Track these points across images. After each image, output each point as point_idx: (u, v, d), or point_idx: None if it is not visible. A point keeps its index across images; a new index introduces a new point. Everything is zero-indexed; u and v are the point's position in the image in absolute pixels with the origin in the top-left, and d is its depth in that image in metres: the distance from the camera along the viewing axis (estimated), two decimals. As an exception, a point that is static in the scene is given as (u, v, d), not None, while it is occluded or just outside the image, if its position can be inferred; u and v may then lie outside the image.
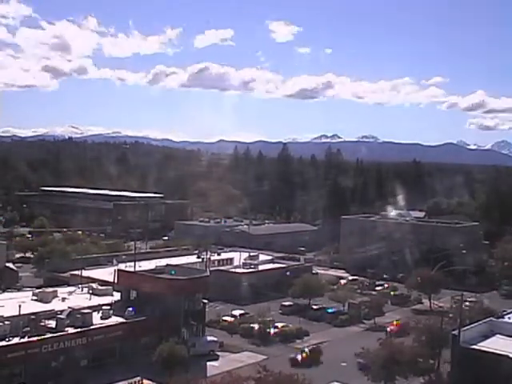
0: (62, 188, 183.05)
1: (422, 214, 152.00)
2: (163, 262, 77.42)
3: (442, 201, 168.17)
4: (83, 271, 73.73)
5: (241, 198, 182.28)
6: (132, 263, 69.31)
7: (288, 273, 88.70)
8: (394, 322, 70.04)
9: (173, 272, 63.20)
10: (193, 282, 60.29)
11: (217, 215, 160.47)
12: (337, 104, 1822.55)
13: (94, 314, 54.27)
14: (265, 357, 56.75)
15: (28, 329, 48.69)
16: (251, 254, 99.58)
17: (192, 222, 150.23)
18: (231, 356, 57.82)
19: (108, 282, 66.58)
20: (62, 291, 63.81)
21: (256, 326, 64.96)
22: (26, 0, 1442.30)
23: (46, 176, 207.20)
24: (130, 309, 56.37)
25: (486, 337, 46.41)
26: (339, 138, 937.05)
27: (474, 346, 43.81)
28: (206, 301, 62.27)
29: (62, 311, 53.45)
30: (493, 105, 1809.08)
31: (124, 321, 55.09)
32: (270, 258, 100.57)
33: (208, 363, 54.72)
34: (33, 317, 50.06)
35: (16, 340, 47.28)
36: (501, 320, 50.56)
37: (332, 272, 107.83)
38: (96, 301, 60.09)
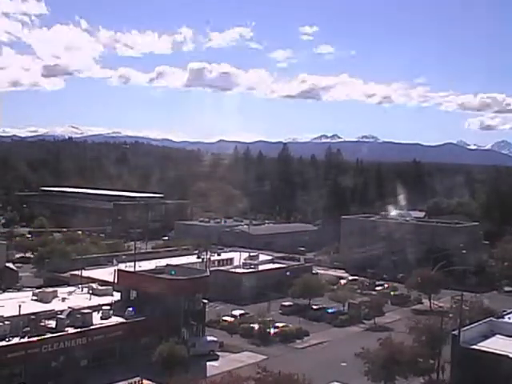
0: (62, 188, 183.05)
1: (422, 214, 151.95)
2: (163, 262, 77.47)
3: (442, 201, 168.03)
4: (83, 271, 73.80)
5: (241, 198, 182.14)
6: (132, 263, 69.37)
7: (288, 273, 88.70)
8: None
9: (173, 272, 63.22)
10: (193, 282, 60.33)
11: (217, 215, 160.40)
12: (337, 104, 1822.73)
13: (94, 313, 54.32)
14: (265, 357, 56.78)
15: (28, 329, 48.75)
16: (251, 254, 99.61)
17: (192, 222, 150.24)
18: (231, 356, 57.87)
19: (108, 281, 66.61)
20: (61, 291, 63.86)
21: (256, 326, 65.01)
22: None
23: (46, 176, 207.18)
24: (130, 309, 56.41)
25: (485, 337, 46.43)
26: (339, 138, 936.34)
27: (474, 346, 43.83)
28: (205, 301, 62.33)
29: (62, 311, 53.52)
30: (493, 105, 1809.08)
31: (124, 321, 55.14)
32: (270, 258, 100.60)
33: (208, 363, 54.79)
34: (33, 317, 50.13)
35: (16, 340, 47.35)
36: (501, 320, 50.58)
37: (332, 272, 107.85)
38: (96, 301, 60.14)
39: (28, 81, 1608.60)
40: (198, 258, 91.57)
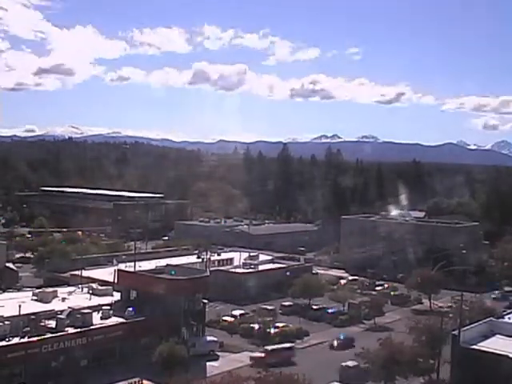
0: (62, 188, 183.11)
1: (422, 214, 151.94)
2: (163, 262, 77.48)
3: (442, 201, 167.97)
4: (83, 271, 73.81)
5: (241, 198, 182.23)
6: (132, 263, 69.37)
7: (288, 273, 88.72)
8: None
9: (173, 272, 63.19)
10: (193, 281, 60.31)
11: (217, 215, 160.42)
12: (337, 104, 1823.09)
13: (94, 314, 54.33)
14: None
15: (28, 329, 48.76)
16: (251, 254, 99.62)
17: (192, 222, 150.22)
18: (231, 356, 57.84)
19: (108, 281, 66.62)
20: (62, 291, 63.89)
21: (256, 326, 65.00)
22: None
23: (46, 176, 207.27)
24: (130, 309, 56.41)
25: (485, 337, 46.45)
26: (339, 138, 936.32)
27: (474, 346, 43.85)
28: (205, 301, 62.32)
29: (62, 311, 53.55)
30: (493, 105, 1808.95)
31: (124, 321, 55.13)
32: (270, 258, 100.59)
33: (208, 363, 54.76)
34: (33, 317, 50.15)
35: (16, 340, 47.37)
36: (501, 320, 50.63)
37: (332, 272, 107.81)
38: (96, 301, 60.15)
39: (28, 80, 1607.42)
40: (198, 257, 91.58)
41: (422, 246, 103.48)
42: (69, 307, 54.46)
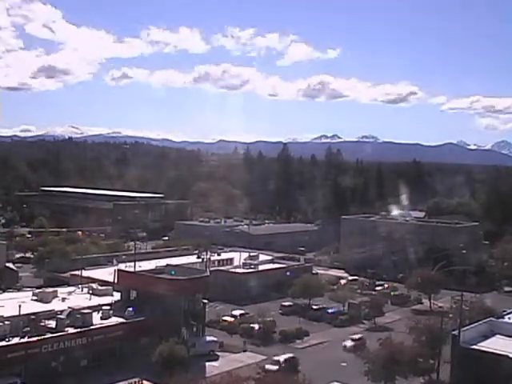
0: (62, 188, 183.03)
1: (422, 214, 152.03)
2: (163, 262, 77.47)
3: (442, 201, 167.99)
4: (83, 271, 73.79)
5: (241, 198, 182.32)
6: (132, 263, 69.36)
7: (288, 273, 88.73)
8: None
9: (173, 272, 63.19)
10: (193, 281, 60.29)
11: (217, 215, 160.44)
12: (337, 104, 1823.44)
13: (94, 314, 54.31)
14: (265, 357, 56.75)
15: (28, 329, 48.73)
16: (251, 254, 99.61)
17: (192, 222, 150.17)
18: (231, 356, 57.84)
19: (108, 282, 66.59)
20: (61, 291, 63.85)
21: (256, 326, 64.99)
22: None
23: (46, 176, 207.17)
24: (130, 309, 56.41)
25: (485, 337, 46.49)
26: (339, 138, 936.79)
27: (474, 346, 43.89)
28: (205, 301, 62.30)
29: (62, 311, 53.51)
30: (493, 105, 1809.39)
31: (124, 321, 55.11)
32: (270, 258, 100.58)
33: (208, 363, 54.74)
34: (33, 317, 50.11)
35: (16, 340, 47.34)
36: (501, 320, 50.66)
37: (332, 272, 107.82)
38: (96, 301, 60.11)
39: (27, 80, 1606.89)
40: (198, 257, 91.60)
41: (422, 246, 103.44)
42: (69, 307, 54.42)
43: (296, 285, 78.04)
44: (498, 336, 47.12)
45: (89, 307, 55.59)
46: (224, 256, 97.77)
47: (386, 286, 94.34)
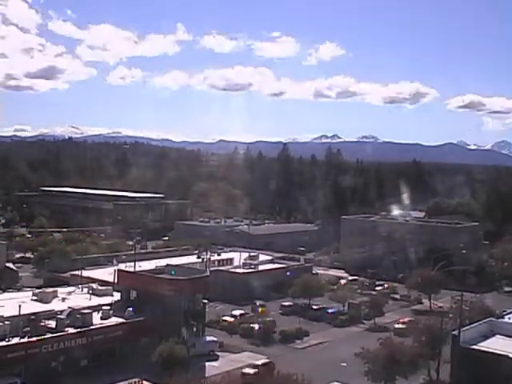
0: (62, 188, 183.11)
1: (422, 214, 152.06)
2: (163, 262, 77.48)
3: (443, 201, 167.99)
4: (83, 271, 73.83)
5: (241, 198, 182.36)
6: (132, 263, 69.36)
7: (288, 273, 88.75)
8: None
9: (173, 272, 63.20)
10: (193, 281, 60.29)
11: (217, 215, 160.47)
12: (337, 104, 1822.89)
13: (94, 314, 54.34)
14: (265, 357, 56.70)
15: (28, 329, 48.74)
16: (251, 254, 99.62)
17: (192, 222, 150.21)
18: (231, 356, 57.84)
19: (108, 282, 66.61)
20: (61, 291, 63.85)
21: (256, 326, 65.00)
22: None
23: (46, 176, 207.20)
24: (130, 309, 56.42)
25: (485, 337, 46.51)
26: (339, 138, 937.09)
27: (474, 346, 43.91)
28: (206, 301, 62.30)
29: (62, 311, 53.53)
30: (493, 105, 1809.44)
31: (124, 321, 55.14)
32: (270, 258, 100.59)
33: (208, 363, 54.73)
34: (33, 317, 50.12)
35: (16, 340, 47.37)
36: (501, 320, 50.68)
37: (332, 272, 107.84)
38: (96, 301, 60.13)
39: (27, 81, 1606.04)
40: (198, 257, 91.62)
41: (422, 246, 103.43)
42: (69, 307, 54.44)
43: (296, 285, 78.05)
44: (497, 336, 47.14)
45: (89, 307, 55.61)
46: (224, 256, 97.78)
47: (386, 286, 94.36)
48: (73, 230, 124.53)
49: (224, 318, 68.97)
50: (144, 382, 47.54)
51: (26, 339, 47.68)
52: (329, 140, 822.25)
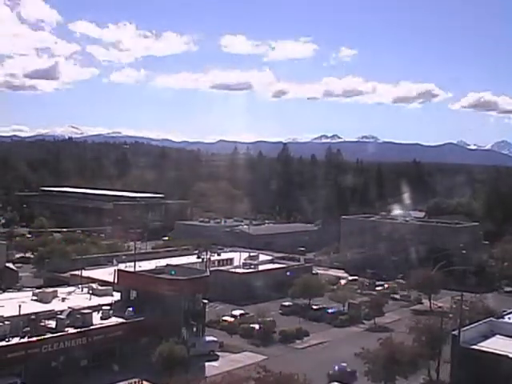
0: (62, 188, 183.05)
1: (422, 214, 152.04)
2: (163, 262, 77.45)
3: (443, 201, 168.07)
4: (83, 271, 73.76)
5: (241, 198, 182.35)
6: (132, 263, 69.33)
7: (288, 273, 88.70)
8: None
9: (173, 272, 63.16)
10: (193, 281, 60.26)
11: (217, 215, 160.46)
12: (337, 104, 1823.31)
13: (94, 314, 54.28)
14: (265, 357, 56.76)
15: (28, 329, 48.68)
16: (251, 254, 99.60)
17: (192, 222, 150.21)
18: (231, 356, 57.82)
19: (108, 282, 66.57)
20: (61, 291, 63.79)
21: (256, 326, 64.98)
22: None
23: (46, 176, 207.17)
24: (130, 309, 56.38)
25: (485, 337, 46.51)
26: (339, 138, 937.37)
27: (474, 346, 43.91)
28: (206, 301, 62.25)
29: (62, 311, 53.46)
30: (493, 104, 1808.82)
31: (124, 321, 55.09)
32: (270, 258, 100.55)
33: (208, 363, 54.71)
34: (33, 317, 50.05)
35: (16, 340, 47.29)
36: (501, 320, 50.68)
37: (332, 272, 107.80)
38: (96, 301, 60.06)
39: (27, 81, 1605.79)
40: (198, 257, 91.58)
41: (422, 246, 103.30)
42: (69, 307, 54.37)
43: (296, 285, 78.00)
44: (497, 336, 47.14)
45: (89, 307, 55.53)
46: (224, 256, 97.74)
47: (386, 286, 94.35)
48: (73, 230, 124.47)
49: (224, 317, 68.94)
50: (144, 382, 47.56)
51: (25, 339, 47.59)
52: (329, 140, 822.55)
